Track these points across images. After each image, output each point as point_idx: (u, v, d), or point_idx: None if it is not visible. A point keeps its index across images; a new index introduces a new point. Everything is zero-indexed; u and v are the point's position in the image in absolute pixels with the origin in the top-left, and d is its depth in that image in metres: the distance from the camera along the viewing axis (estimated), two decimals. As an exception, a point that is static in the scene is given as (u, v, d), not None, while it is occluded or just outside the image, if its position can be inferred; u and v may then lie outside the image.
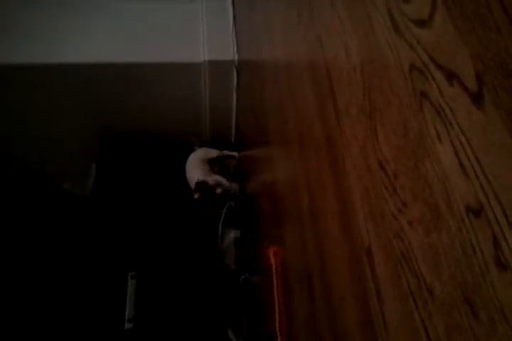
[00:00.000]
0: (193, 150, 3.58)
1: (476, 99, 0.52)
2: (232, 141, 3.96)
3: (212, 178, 3.15)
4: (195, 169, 3.31)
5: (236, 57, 3.39)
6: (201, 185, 3.08)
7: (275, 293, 1.79)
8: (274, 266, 1.82)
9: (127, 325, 3.03)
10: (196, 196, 3.10)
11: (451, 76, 0.57)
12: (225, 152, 3.57)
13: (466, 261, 0.55)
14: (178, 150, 3.77)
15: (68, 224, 3.59)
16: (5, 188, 3.63)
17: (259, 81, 2.35)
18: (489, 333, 0.51)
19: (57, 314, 3.19)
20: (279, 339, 1.77)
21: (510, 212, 0.48)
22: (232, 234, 3.06)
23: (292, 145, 1.50)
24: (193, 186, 3.21)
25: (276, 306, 1.76)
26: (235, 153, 3.59)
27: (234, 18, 3.56)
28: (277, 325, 1.75)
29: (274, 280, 1.80)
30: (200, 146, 3.62)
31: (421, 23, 0.65)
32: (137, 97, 3.63)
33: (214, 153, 3.50)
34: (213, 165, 3.42)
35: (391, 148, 0.73)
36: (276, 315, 1.76)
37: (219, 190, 3.10)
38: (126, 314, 3.05)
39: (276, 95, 1.80)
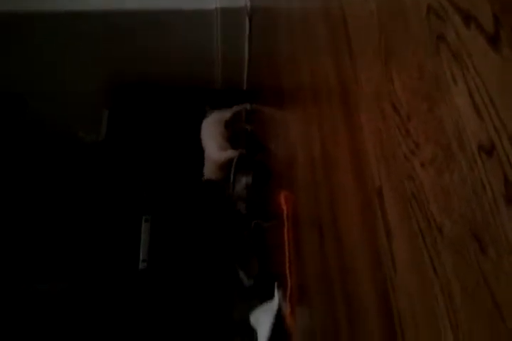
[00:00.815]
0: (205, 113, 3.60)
1: (493, 41, 0.53)
2: (244, 88, 3.93)
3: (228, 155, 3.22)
4: (210, 139, 3.36)
5: (248, 4, 3.34)
6: (209, 183, 3.18)
7: (286, 235, 1.83)
8: (285, 212, 1.85)
9: (141, 265, 3.12)
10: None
11: (468, 18, 0.58)
12: (235, 107, 3.57)
13: (476, 200, 0.56)
14: (191, 97, 3.77)
15: (82, 170, 3.64)
16: (19, 135, 3.66)
17: (272, 27, 2.33)
18: (496, 267, 0.54)
19: (73, 256, 3.27)
20: (289, 280, 1.83)
21: (521, 152, 0.49)
22: (243, 180, 3.10)
23: (305, 91, 1.51)
24: (207, 152, 3.30)
25: (287, 248, 1.81)
26: (246, 105, 3.58)
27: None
28: (287, 267, 1.80)
29: (285, 225, 1.84)
30: (212, 108, 3.62)
31: (439, -35, 0.65)
32: (149, 44, 3.58)
33: (227, 113, 3.51)
34: (228, 127, 3.45)
35: (406, 91, 0.74)
36: (287, 259, 1.80)
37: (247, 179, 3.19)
38: (141, 255, 3.14)
39: (290, 41, 1.79)
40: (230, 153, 3.22)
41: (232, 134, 3.43)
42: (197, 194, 3.38)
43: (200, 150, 3.34)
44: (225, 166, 3.20)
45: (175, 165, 3.61)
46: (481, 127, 0.55)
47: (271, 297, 2.32)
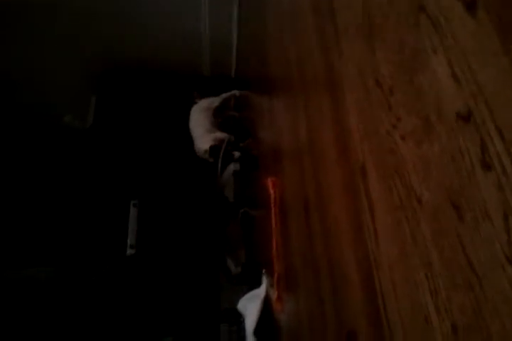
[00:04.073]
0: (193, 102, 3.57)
1: (470, 6, 0.53)
2: (233, 75, 3.93)
3: (216, 137, 3.19)
4: (199, 128, 3.33)
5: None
6: (215, 149, 3.14)
7: (273, 221, 1.84)
8: (272, 196, 1.86)
9: (129, 251, 3.12)
10: (211, 160, 3.17)
11: (448, -13, 0.58)
12: (224, 95, 3.56)
13: (454, 167, 0.57)
14: (179, 82, 3.76)
15: (70, 156, 3.62)
16: (6, 120, 3.63)
17: (261, 12, 2.32)
18: (472, 232, 0.54)
19: (60, 242, 3.26)
20: (276, 267, 1.84)
21: (497, 115, 0.50)
22: (231, 167, 3.10)
23: (292, 74, 1.51)
24: (196, 139, 3.27)
25: (274, 233, 1.81)
26: (235, 92, 3.57)
27: None
28: (274, 250, 1.80)
29: (272, 210, 1.85)
30: (201, 94, 3.59)
31: None
32: (138, 28, 3.58)
33: (216, 101, 3.49)
34: (217, 115, 3.43)
35: (388, 65, 0.74)
36: (274, 242, 1.81)
37: (237, 154, 3.15)
38: (128, 240, 3.14)
39: (277, 24, 1.79)
40: (218, 135, 3.21)
41: (221, 122, 3.41)
42: (185, 180, 3.38)
43: (188, 136, 3.33)
44: (212, 153, 3.19)
45: (163, 151, 3.60)
46: (459, 94, 0.56)
47: (258, 284, 2.33)
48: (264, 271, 2.23)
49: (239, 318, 2.67)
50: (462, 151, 0.56)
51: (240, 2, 3.35)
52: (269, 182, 1.93)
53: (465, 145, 0.55)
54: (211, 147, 3.15)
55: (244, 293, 2.52)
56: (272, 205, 1.85)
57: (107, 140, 3.65)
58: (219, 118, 3.44)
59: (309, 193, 1.31)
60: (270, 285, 2.10)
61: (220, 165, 3.08)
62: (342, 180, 1.00)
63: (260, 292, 2.28)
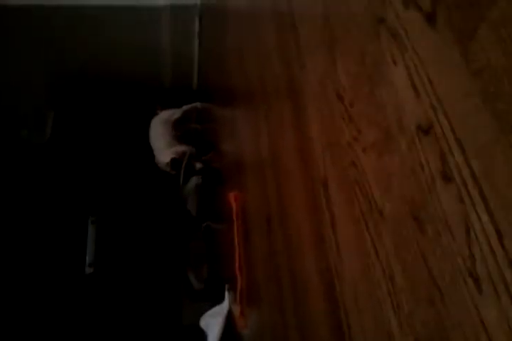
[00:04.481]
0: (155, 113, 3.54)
1: (430, 18, 0.53)
2: (195, 87, 3.92)
3: (177, 150, 3.17)
4: (159, 140, 3.30)
5: (199, 2, 3.34)
6: (176, 162, 3.10)
7: (235, 235, 1.82)
8: (234, 210, 1.85)
9: (88, 270, 3.06)
10: (173, 172, 3.14)
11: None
12: (185, 107, 3.54)
13: (415, 179, 0.57)
14: (138, 96, 3.73)
15: (26, 170, 3.54)
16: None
17: (222, 25, 2.33)
18: (434, 245, 0.54)
19: (18, 260, 3.19)
20: (239, 282, 1.82)
21: (457, 127, 0.50)
22: (193, 181, 3.08)
23: (254, 87, 1.51)
24: (157, 151, 3.24)
25: (237, 247, 1.80)
26: (197, 104, 3.55)
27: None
28: (237, 265, 1.79)
29: (235, 224, 1.84)
30: (162, 106, 3.57)
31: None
32: (98, 41, 3.55)
33: (177, 113, 3.47)
34: (178, 127, 3.40)
35: (349, 77, 0.74)
36: (236, 256, 1.80)
37: (198, 165, 3.13)
38: (87, 259, 3.07)
39: (238, 37, 1.79)
40: (179, 148, 3.18)
41: (182, 134, 3.39)
42: (145, 194, 3.34)
43: (148, 149, 3.30)
44: (174, 166, 3.16)
45: (122, 165, 3.56)
46: (419, 106, 0.55)
47: (221, 300, 2.31)
48: (227, 286, 2.21)
49: (201, 335, 2.64)
50: (423, 163, 0.55)
51: (201, 16, 3.36)
52: (232, 195, 1.92)
53: (425, 157, 0.55)
54: (172, 160, 3.12)
55: (207, 309, 2.49)
56: (235, 219, 1.84)
57: (64, 154, 3.59)
58: (180, 131, 3.41)
59: (271, 206, 1.30)
60: (233, 300, 2.08)
61: (181, 178, 3.06)
62: (304, 192, 1.00)
63: (223, 308, 2.25)
